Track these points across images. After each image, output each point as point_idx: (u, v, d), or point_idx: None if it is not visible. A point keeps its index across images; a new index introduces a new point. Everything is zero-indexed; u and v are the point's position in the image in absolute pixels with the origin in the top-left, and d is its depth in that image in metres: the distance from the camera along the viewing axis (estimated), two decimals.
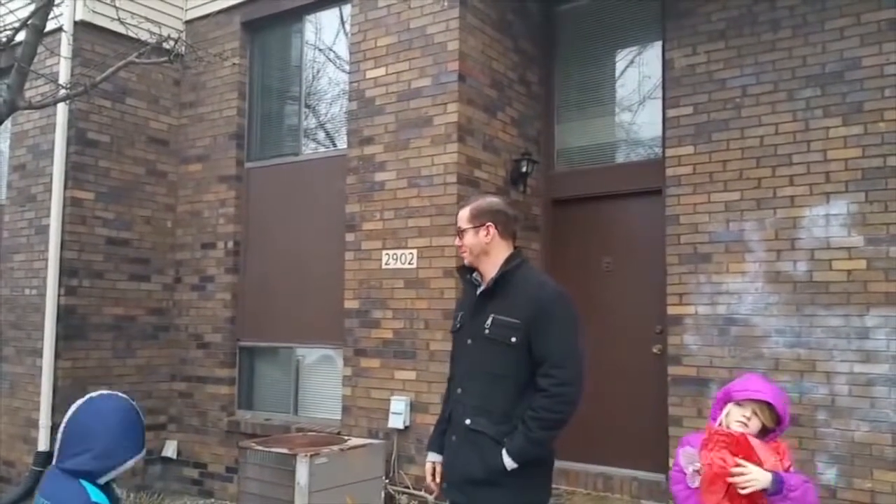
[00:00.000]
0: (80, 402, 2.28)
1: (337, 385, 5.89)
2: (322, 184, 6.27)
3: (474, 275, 2.87)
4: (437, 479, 2.91)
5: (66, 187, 6.37)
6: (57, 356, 6.24)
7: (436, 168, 5.43)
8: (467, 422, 2.72)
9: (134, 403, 2.34)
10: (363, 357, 5.62)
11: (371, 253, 5.66)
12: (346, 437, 5.29)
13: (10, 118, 5.57)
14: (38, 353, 6.26)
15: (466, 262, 2.88)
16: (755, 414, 2.50)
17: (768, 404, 2.48)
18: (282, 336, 6.45)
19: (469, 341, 2.80)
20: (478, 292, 2.82)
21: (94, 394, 2.32)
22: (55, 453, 2.25)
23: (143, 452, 2.31)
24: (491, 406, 2.68)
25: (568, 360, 2.64)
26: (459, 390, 2.81)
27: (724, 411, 2.56)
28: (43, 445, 6.13)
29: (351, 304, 5.74)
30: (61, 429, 2.25)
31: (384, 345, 5.51)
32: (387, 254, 5.56)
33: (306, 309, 6.24)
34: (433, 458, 2.96)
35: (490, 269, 2.81)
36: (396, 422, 5.30)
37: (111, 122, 6.67)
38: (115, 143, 6.69)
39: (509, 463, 2.60)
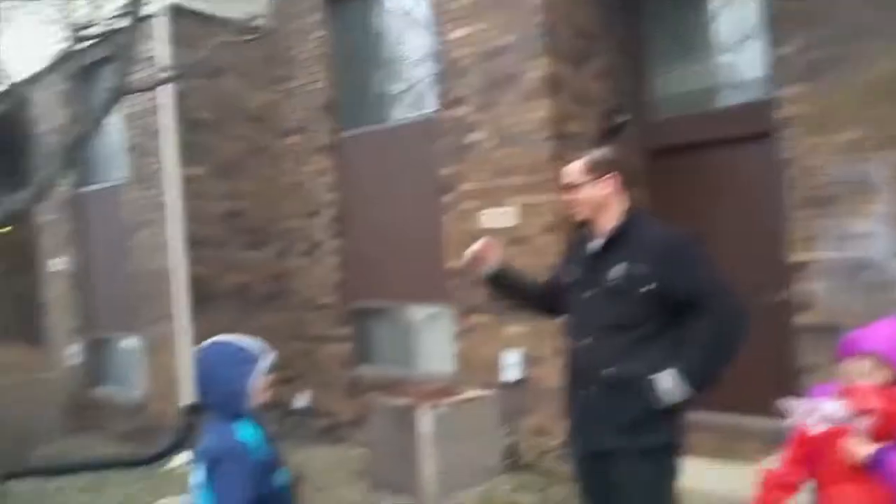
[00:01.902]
0: (194, 357, 2.55)
1: (449, 340, 6.17)
2: (414, 147, 6.46)
3: (587, 229, 2.83)
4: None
5: (179, 165, 6.83)
6: (189, 320, 6.83)
7: (527, 125, 5.49)
8: (604, 372, 2.68)
9: (225, 338, 2.48)
10: (473, 314, 5.87)
11: (469, 213, 5.85)
12: (462, 390, 5.59)
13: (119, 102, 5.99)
14: (174, 318, 6.88)
15: (581, 217, 2.81)
16: (880, 364, 2.41)
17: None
18: (391, 296, 6.79)
19: (587, 294, 2.76)
20: (594, 245, 2.78)
21: (202, 344, 2.54)
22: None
23: (258, 370, 2.41)
24: (621, 356, 2.65)
25: (721, 290, 2.62)
26: (582, 342, 2.77)
27: (849, 362, 2.48)
28: (186, 399, 6.79)
29: (451, 264, 5.94)
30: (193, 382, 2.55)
31: (491, 301, 5.73)
32: (485, 213, 5.74)
33: (410, 270, 6.53)
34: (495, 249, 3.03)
35: (607, 222, 2.76)
36: (510, 375, 5.55)
37: (211, 102, 7.05)
38: (218, 121, 7.09)
39: (674, 392, 2.58)
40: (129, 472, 6.47)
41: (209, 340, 2.48)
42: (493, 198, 5.71)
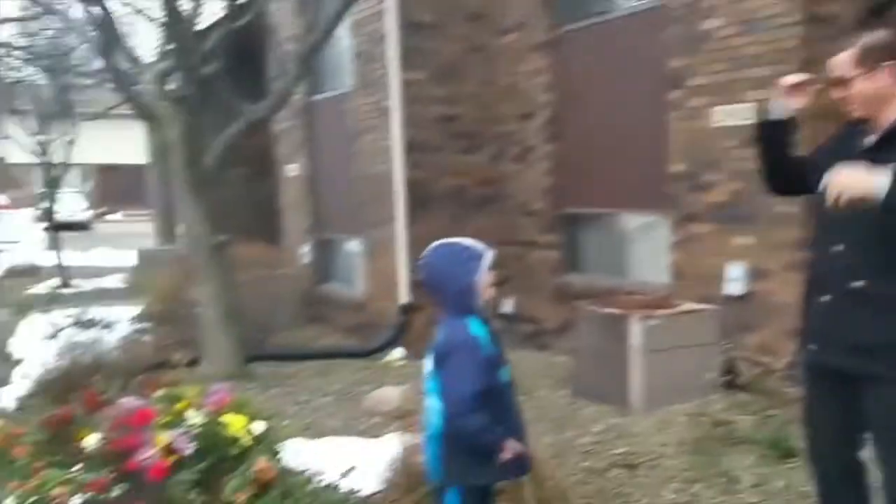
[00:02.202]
0: (422, 259, 2.62)
1: (665, 250, 5.85)
2: (640, 40, 6.01)
3: (860, 123, 2.49)
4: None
5: (401, 70, 6.94)
6: (407, 223, 7.05)
7: (774, 7, 4.86)
8: (857, 284, 2.40)
9: (448, 240, 2.60)
10: (693, 222, 5.47)
11: (699, 111, 5.37)
12: (677, 302, 5.28)
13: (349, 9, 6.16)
14: (393, 220, 7.15)
15: (856, 113, 2.47)
16: None
17: None
18: (605, 202, 6.53)
19: None
20: (867, 141, 2.46)
21: (429, 247, 2.62)
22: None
23: (482, 265, 2.50)
24: (879, 269, 2.36)
25: None
26: (836, 248, 2.48)
27: None
28: (404, 298, 7.09)
29: (677, 168, 5.56)
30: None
31: (717, 209, 5.28)
32: (718, 110, 5.22)
33: (628, 174, 6.21)
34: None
35: (886, 118, 2.42)
36: (733, 289, 5.14)
37: (434, 3, 7.06)
38: (438, 22, 7.09)
39: None
40: (351, 362, 6.92)
41: (434, 244, 2.60)
42: (728, 93, 5.15)
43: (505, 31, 7.21)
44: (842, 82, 2.44)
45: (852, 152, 2.45)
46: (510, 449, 2.48)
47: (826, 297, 2.50)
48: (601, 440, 4.50)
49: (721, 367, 5.01)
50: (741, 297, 5.14)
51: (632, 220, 6.41)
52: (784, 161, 2.76)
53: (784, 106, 2.65)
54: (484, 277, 2.52)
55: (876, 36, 2.44)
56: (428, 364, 2.59)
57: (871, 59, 2.39)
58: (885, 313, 2.37)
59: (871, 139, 2.44)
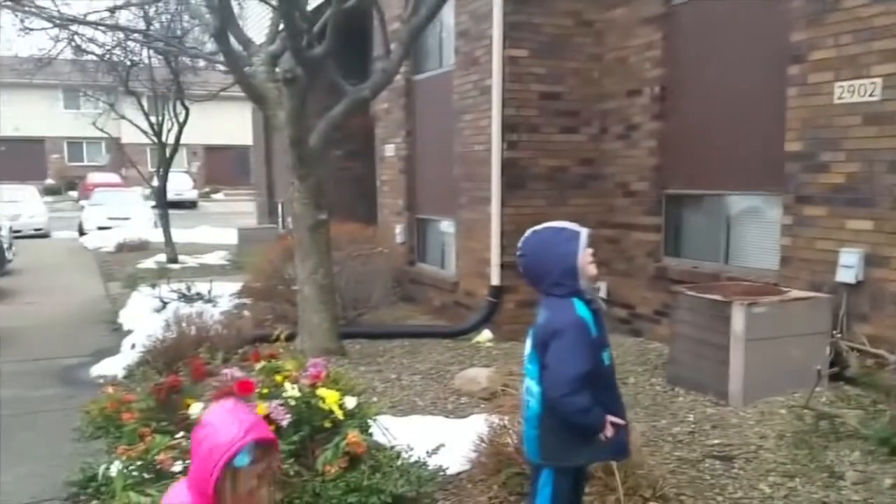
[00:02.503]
0: (520, 247, 2.66)
1: (773, 234, 5.61)
2: (759, 12, 5.74)
3: None
4: None
5: (504, 47, 6.88)
6: (503, 204, 7.02)
7: None
8: None
9: (548, 224, 2.63)
10: (807, 204, 5.20)
11: (819, 86, 5.08)
12: (784, 289, 5.06)
13: None
14: (487, 201, 7.14)
15: None
16: None
17: None
18: (711, 183, 6.30)
19: None
20: None
21: (525, 240, 2.66)
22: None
23: (581, 244, 2.53)
24: None
25: None
26: None
27: None
28: (495, 280, 7.09)
29: (792, 147, 5.30)
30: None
31: (833, 191, 5.01)
32: (840, 86, 4.93)
33: (739, 154, 5.96)
34: None
35: None
36: (846, 276, 4.87)
37: None
38: None
39: None
40: (440, 341, 7.01)
41: (531, 230, 2.64)
42: (853, 67, 4.85)
43: (615, 5, 7.02)
44: None
45: None
46: (611, 427, 2.50)
47: None
48: (696, 430, 4.40)
49: (828, 358, 4.77)
50: (855, 285, 4.86)
51: (739, 202, 6.15)
52: None
53: None
54: (585, 256, 2.53)
55: None
56: (527, 346, 2.62)
57: None
58: None
59: None
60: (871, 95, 4.73)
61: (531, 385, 2.59)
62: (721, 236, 6.22)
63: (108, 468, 3.60)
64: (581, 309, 2.51)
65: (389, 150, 9.67)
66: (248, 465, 1.95)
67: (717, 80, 6.12)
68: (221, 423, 1.98)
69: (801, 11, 5.20)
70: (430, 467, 3.68)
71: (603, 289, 7.09)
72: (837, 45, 4.94)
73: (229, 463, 1.91)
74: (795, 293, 4.95)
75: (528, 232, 2.64)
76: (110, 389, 4.70)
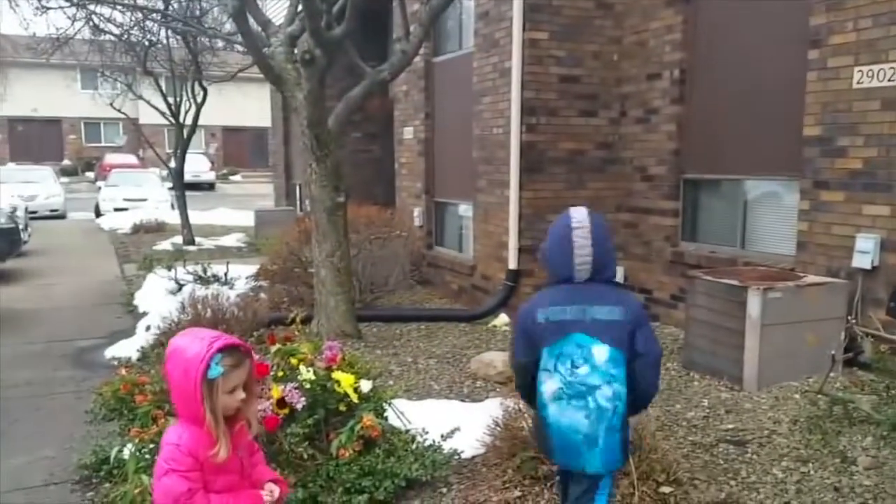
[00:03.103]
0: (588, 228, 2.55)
1: (790, 220, 5.64)
2: None
3: None
4: None
5: (524, 29, 6.90)
6: (521, 187, 7.07)
7: None
8: None
9: (565, 213, 2.61)
10: (824, 189, 5.22)
11: (839, 71, 5.10)
12: (801, 274, 5.10)
13: None
14: (506, 184, 7.19)
15: None
16: None
17: None
18: (729, 168, 6.32)
19: None
20: None
21: (589, 215, 2.59)
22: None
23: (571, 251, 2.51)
24: None
25: None
26: None
27: None
28: (512, 264, 7.17)
29: (811, 131, 5.31)
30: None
31: (851, 176, 5.02)
32: (860, 70, 4.95)
33: (757, 138, 5.97)
34: None
35: None
36: (862, 261, 4.91)
37: None
38: None
39: None
40: (457, 325, 7.10)
41: (583, 214, 2.57)
42: (872, 52, 4.85)
43: None
44: None
45: None
46: None
47: None
48: (710, 415, 4.48)
49: (843, 343, 4.81)
50: (870, 271, 4.90)
51: (757, 187, 6.18)
52: None
53: None
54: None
55: None
56: (604, 351, 2.46)
57: None
58: None
59: None
60: (889, 80, 4.73)
61: (618, 389, 2.46)
62: (738, 221, 6.26)
63: (120, 451, 3.68)
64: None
65: (408, 132, 9.73)
66: (224, 374, 2.04)
67: (737, 64, 6.13)
68: (186, 345, 2.07)
69: None
70: (444, 451, 3.78)
71: (620, 273, 7.14)
72: (857, 30, 4.94)
73: (205, 378, 2.01)
74: (811, 278, 4.99)
75: (583, 215, 2.55)
76: (124, 372, 4.83)
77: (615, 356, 2.46)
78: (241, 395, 2.12)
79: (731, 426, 4.28)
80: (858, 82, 4.95)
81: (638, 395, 2.54)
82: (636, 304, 2.62)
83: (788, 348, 4.72)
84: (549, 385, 2.50)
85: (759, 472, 3.71)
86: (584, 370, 2.45)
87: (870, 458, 3.69)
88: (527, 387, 2.65)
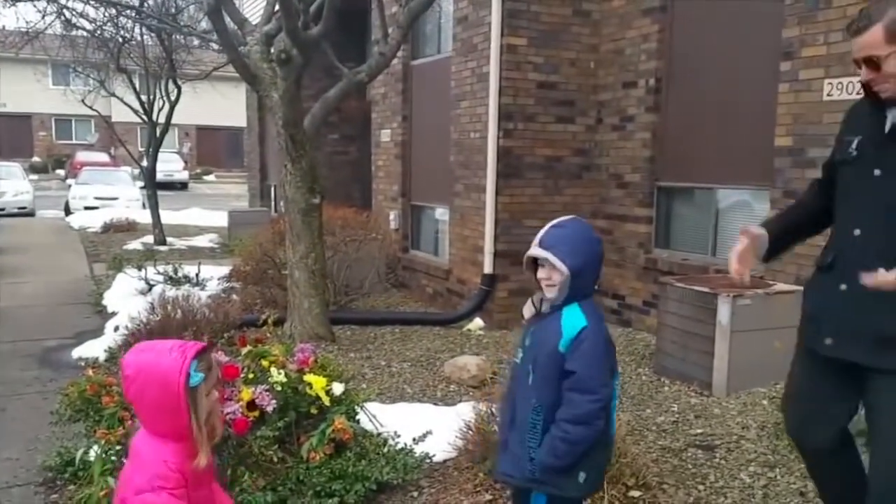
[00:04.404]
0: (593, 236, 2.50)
1: None
2: (754, 6, 5.84)
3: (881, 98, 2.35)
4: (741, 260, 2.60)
5: (502, 35, 6.95)
6: (497, 192, 7.12)
7: None
8: (881, 271, 2.26)
9: (581, 221, 2.51)
10: (794, 199, 5.27)
11: (810, 83, 5.20)
12: (770, 282, 5.19)
13: None
14: (482, 189, 7.23)
15: (888, 95, 2.30)
16: None
17: None
18: (702, 176, 6.42)
19: (877, 172, 2.35)
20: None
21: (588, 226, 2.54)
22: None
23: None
24: None
25: None
26: (857, 231, 2.39)
27: None
28: (488, 268, 7.21)
29: (782, 142, 5.42)
30: None
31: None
32: (830, 83, 5.05)
33: (730, 148, 6.08)
34: (758, 230, 2.62)
35: None
36: None
37: None
38: None
39: None
40: (431, 329, 7.12)
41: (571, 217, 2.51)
42: (843, 64, 4.95)
43: None
44: (873, 62, 2.26)
45: (876, 129, 2.35)
46: None
47: (843, 286, 2.39)
48: (680, 420, 4.54)
49: None
50: None
51: (728, 196, 6.28)
52: (808, 225, 2.75)
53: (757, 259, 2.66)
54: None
55: None
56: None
57: None
58: None
59: None
60: (858, 93, 4.80)
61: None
62: (710, 229, 6.36)
63: (86, 452, 3.63)
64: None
65: (385, 135, 9.74)
66: (204, 379, 2.00)
67: (711, 74, 6.23)
68: (153, 360, 1.98)
69: (793, 8, 5.30)
70: (416, 454, 3.79)
71: None
72: (828, 43, 5.05)
73: (188, 388, 1.95)
74: (780, 286, 5.07)
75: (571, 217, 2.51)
76: (91, 372, 4.77)
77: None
78: (215, 395, 2.09)
79: (700, 431, 4.34)
80: (829, 94, 5.06)
81: None
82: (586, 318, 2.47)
83: (757, 355, 4.80)
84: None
85: (726, 476, 3.77)
86: None
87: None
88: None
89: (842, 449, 2.68)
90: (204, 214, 19.02)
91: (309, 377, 3.66)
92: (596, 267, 2.41)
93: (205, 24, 12.26)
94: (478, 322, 7.23)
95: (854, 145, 2.44)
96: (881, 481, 2.41)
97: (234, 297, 7.42)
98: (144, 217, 15.37)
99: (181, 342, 2.07)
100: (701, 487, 3.65)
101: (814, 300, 2.58)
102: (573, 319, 2.34)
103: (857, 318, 2.37)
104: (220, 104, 30.64)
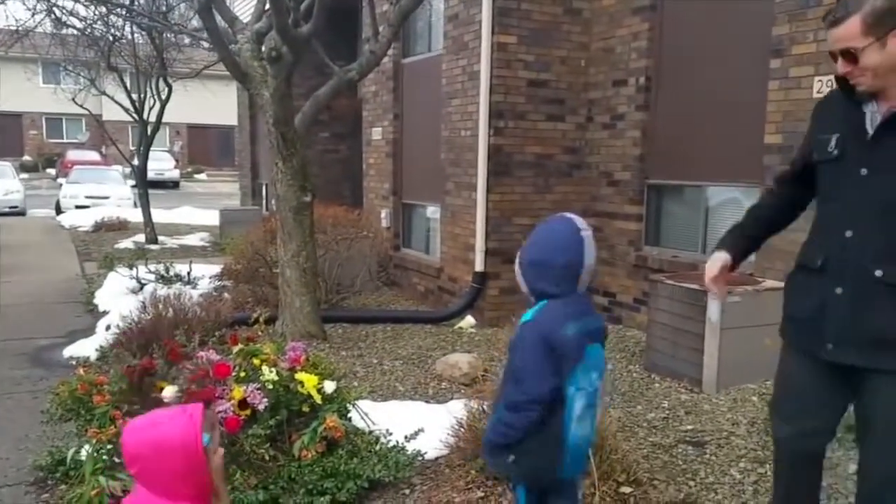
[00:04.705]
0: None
1: None
2: (744, 4, 5.85)
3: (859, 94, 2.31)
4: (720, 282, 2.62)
5: (493, 33, 6.95)
6: (488, 190, 7.11)
7: None
8: (877, 273, 2.26)
9: (563, 217, 2.44)
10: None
11: (800, 81, 5.21)
12: (759, 279, 5.20)
13: None
14: (473, 187, 7.23)
15: (864, 88, 2.28)
16: None
17: None
18: (691, 174, 6.43)
19: (864, 171, 2.29)
20: (878, 113, 2.30)
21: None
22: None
23: (582, 260, 2.33)
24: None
25: None
26: (849, 233, 2.34)
27: None
28: (479, 266, 7.20)
29: (772, 139, 5.43)
30: None
31: None
32: (820, 80, 5.07)
33: (720, 145, 6.09)
34: (722, 255, 2.63)
35: None
36: None
37: None
38: None
39: None
40: (423, 327, 7.12)
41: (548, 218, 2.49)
42: (831, 62, 4.93)
43: None
44: (850, 55, 2.23)
45: (856, 126, 2.32)
46: None
47: (839, 289, 2.35)
48: (670, 416, 4.55)
49: None
50: None
51: (718, 194, 6.30)
52: (777, 223, 2.78)
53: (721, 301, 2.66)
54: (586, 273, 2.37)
55: None
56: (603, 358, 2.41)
57: (882, 26, 2.16)
58: None
59: (885, 111, 2.26)
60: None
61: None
62: (700, 226, 6.37)
63: (77, 452, 3.60)
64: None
65: (376, 133, 9.72)
66: (212, 437, 1.98)
67: (701, 72, 6.24)
68: (164, 434, 1.93)
69: (783, 6, 5.31)
70: (408, 452, 3.79)
71: None
72: (817, 40, 5.06)
73: (205, 449, 1.92)
74: (770, 283, 5.08)
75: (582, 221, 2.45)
76: (82, 371, 4.74)
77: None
78: (221, 451, 2.04)
79: (690, 427, 4.36)
80: (819, 92, 5.06)
81: None
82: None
83: (747, 351, 4.82)
84: (579, 404, 2.32)
85: (717, 472, 3.78)
86: (598, 379, 2.40)
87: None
88: (538, 422, 2.30)
89: (823, 454, 2.68)
90: (195, 213, 18.95)
91: (300, 375, 3.65)
92: (547, 269, 2.32)
93: (196, 22, 12.20)
94: (469, 320, 7.23)
95: (833, 144, 2.39)
96: (876, 476, 2.42)
97: (226, 295, 7.39)
98: (136, 216, 15.28)
99: (179, 408, 2.04)
100: (691, 483, 3.66)
101: (806, 303, 2.50)
102: (527, 314, 2.36)
103: (856, 321, 2.33)
104: (211, 102, 30.57)
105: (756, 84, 5.57)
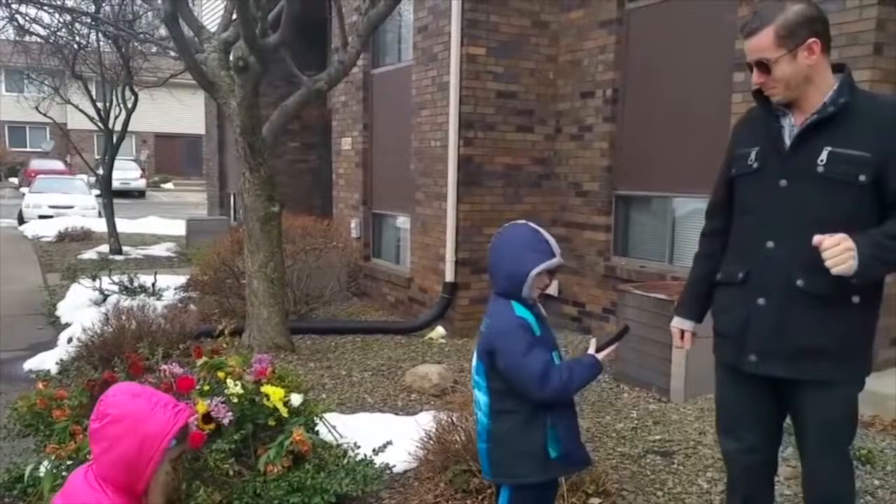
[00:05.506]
0: (493, 237, 2.57)
1: None
2: (708, 19, 5.93)
3: (775, 106, 2.34)
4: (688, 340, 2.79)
5: (462, 44, 6.96)
6: (458, 200, 7.10)
7: None
8: (799, 283, 2.27)
9: (531, 225, 2.51)
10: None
11: None
12: None
13: None
14: (443, 197, 7.21)
15: (778, 99, 2.30)
16: None
17: None
18: (658, 185, 6.49)
19: (783, 183, 2.30)
20: (794, 124, 2.32)
21: (501, 228, 2.58)
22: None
23: (545, 264, 2.40)
24: (816, 263, 2.18)
25: None
26: (771, 244, 2.33)
27: None
28: (449, 276, 7.18)
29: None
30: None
31: None
32: None
33: (686, 157, 6.15)
34: (684, 324, 2.75)
35: (814, 97, 2.26)
36: None
37: None
38: None
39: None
40: (392, 338, 7.06)
41: (509, 224, 2.54)
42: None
43: (570, 7, 7.16)
44: (763, 66, 2.26)
45: (773, 137, 2.35)
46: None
47: (762, 300, 2.36)
48: (639, 426, 4.56)
49: None
50: None
51: (684, 205, 6.36)
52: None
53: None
54: (542, 276, 2.43)
55: (793, 8, 2.24)
56: (474, 357, 2.53)
57: (793, 37, 2.21)
58: (826, 314, 2.27)
59: (800, 121, 2.29)
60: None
61: (479, 397, 2.49)
62: (667, 237, 6.43)
63: (36, 468, 3.50)
64: (519, 311, 2.42)
65: (346, 143, 9.67)
66: (174, 447, 1.89)
67: (667, 85, 6.31)
68: (144, 413, 1.86)
69: (745, 21, 5.37)
70: (376, 465, 3.72)
71: (554, 287, 7.22)
72: None
73: (166, 451, 1.85)
74: None
75: (506, 225, 2.55)
76: (41, 385, 4.61)
77: (478, 366, 2.49)
78: (170, 468, 1.97)
79: (658, 437, 4.37)
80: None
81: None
82: (498, 322, 2.44)
83: (713, 361, 4.82)
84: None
85: (684, 482, 3.79)
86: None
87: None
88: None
89: (774, 465, 2.71)
90: (161, 223, 18.69)
91: (266, 388, 3.58)
92: (499, 270, 2.47)
93: (163, 31, 12.06)
94: (439, 330, 7.19)
95: (753, 157, 2.39)
96: (815, 490, 2.49)
97: (192, 307, 7.27)
98: (100, 226, 15.03)
99: (173, 399, 1.96)
100: (660, 493, 3.66)
101: (730, 317, 2.50)
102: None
103: (777, 331, 2.34)
104: (178, 111, 30.25)
105: (720, 97, 5.64)
